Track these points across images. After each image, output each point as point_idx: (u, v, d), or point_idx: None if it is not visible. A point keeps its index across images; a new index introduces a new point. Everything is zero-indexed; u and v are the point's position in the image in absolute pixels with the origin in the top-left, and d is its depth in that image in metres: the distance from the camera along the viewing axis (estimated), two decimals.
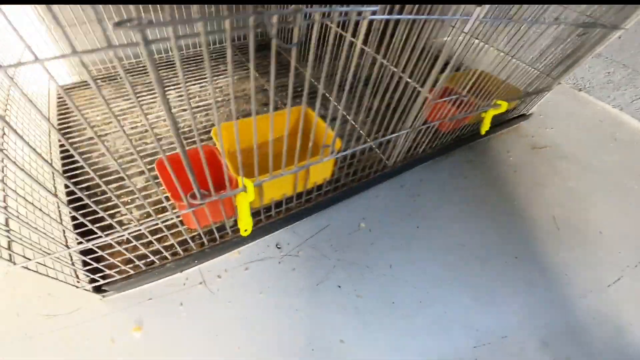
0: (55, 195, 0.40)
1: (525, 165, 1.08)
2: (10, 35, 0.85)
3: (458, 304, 0.74)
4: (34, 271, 0.49)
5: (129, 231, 0.49)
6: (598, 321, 0.75)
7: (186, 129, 0.93)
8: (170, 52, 1.14)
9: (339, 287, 0.73)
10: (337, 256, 0.78)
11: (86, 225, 0.44)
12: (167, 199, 0.72)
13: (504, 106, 0.82)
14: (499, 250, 0.85)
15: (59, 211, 0.70)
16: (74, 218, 0.68)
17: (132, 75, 1.07)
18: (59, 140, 0.86)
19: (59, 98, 0.98)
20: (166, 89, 1.02)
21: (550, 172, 1.08)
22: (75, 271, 0.57)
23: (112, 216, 0.71)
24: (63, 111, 0.94)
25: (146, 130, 0.91)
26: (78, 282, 0.57)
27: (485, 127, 0.89)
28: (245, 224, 0.58)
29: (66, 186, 0.74)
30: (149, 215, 0.73)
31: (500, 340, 0.70)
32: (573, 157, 1.15)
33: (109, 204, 0.75)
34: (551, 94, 1.15)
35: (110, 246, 0.51)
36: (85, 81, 1.03)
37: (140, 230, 0.49)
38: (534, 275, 0.81)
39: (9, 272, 0.68)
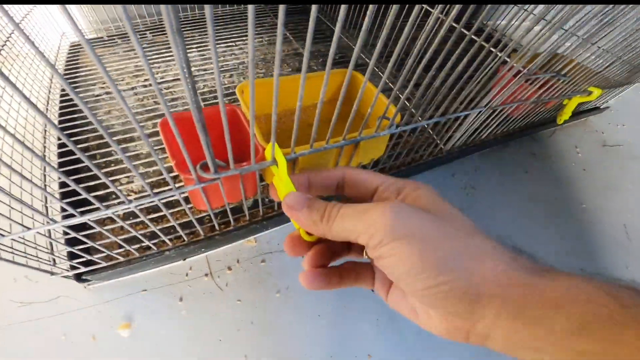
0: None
1: (596, 164, 0.92)
2: None
3: None
4: None
5: (113, 210, 0.36)
6: None
7: (205, 90, 0.79)
8: (196, 11, 1.00)
9: (373, 291, 0.60)
10: None
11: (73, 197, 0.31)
12: (171, 169, 0.59)
13: (595, 94, 0.66)
14: (564, 260, 0.71)
15: (44, 176, 0.58)
16: (62, 190, 0.56)
17: (153, 34, 0.93)
18: (60, 97, 0.73)
19: (69, 54, 0.87)
20: (188, 48, 0.88)
21: (623, 174, 0.91)
22: (52, 255, 0.45)
23: (106, 186, 0.59)
24: (71, 66, 0.83)
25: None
26: (53, 267, 0.44)
27: (566, 115, 0.72)
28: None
29: (59, 155, 0.61)
30: (155, 186, 0.61)
31: None
32: None
33: (106, 170, 0.62)
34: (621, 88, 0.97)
35: (99, 224, 0.38)
36: (101, 37, 0.91)
37: (129, 208, 0.36)
38: None
39: None
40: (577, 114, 0.96)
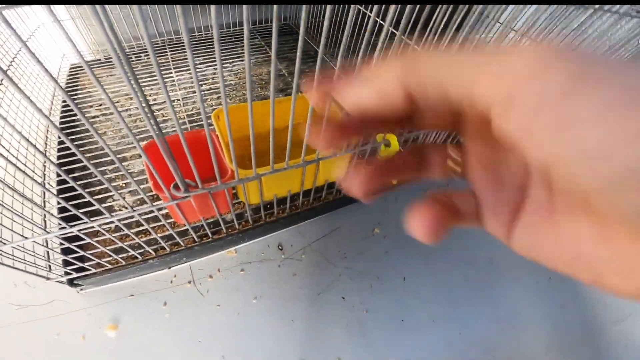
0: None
1: None
2: (23, 10, 0.83)
3: (477, 325, 0.65)
4: None
5: (99, 222, 0.41)
6: (631, 348, 0.67)
7: (194, 112, 0.86)
8: (194, 33, 1.07)
9: (343, 298, 0.65)
10: (344, 264, 0.69)
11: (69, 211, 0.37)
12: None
13: None
14: (532, 269, 0.74)
15: (44, 194, 0.65)
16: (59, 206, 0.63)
17: (147, 56, 1.00)
18: (60, 119, 0.80)
19: (69, 76, 0.94)
20: (180, 70, 0.95)
21: None
22: (49, 264, 0.51)
23: (101, 202, 0.65)
24: (70, 89, 0.90)
25: (152, 111, 0.84)
26: (49, 273, 0.50)
27: None
28: None
29: (57, 174, 0.68)
30: (142, 202, 0.66)
31: None
32: None
33: (101, 187, 0.68)
34: None
35: (89, 236, 0.44)
36: (99, 59, 0.98)
37: (112, 221, 0.42)
38: (568, 298, 0.71)
39: None
40: None
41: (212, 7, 0.24)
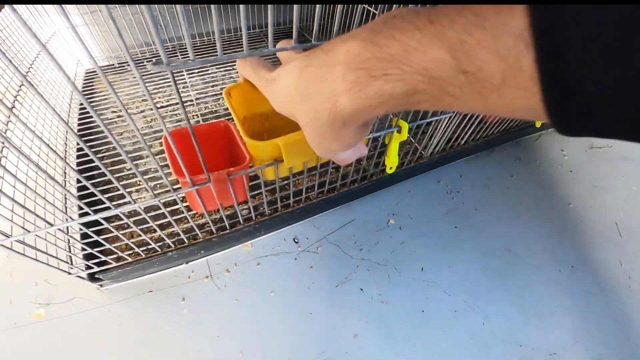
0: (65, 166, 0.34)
1: (583, 166, 0.94)
2: (41, 17, 0.86)
3: (500, 316, 0.63)
4: (21, 254, 0.43)
5: (122, 209, 0.42)
6: None
7: (207, 112, 0.87)
8: (197, 38, 1.10)
9: (362, 290, 0.64)
10: (361, 255, 0.68)
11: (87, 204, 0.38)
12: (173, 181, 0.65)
13: None
14: (553, 257, 0.73)
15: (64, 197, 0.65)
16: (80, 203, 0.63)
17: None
18: (78, 121, 0.82)
19: (85, 80, 0.97)
20: (191, 74, 0.98)
21: (612, 174, 0.94)
22: (70, 257, 0.51)
23: (121, 197, 0.66)
24: (87, 92, 0.92)
25: (166, 112, 0.86)
26: (71, 268, 0.51)
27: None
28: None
29: (77, 164, 0.69)
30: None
31: (547, 358, 0.60)
32: (637, 158, 1.00)
33: (121, 183, 0.69)
34: None
35: (108, 230, 0.44)
36: (113, 64, 1.00)
37: (137, 210, 0.42)
38: (593, 287, 0.69)
39: (10, 255, 0.63)
40: None
41: (242, 7, 0.25)
